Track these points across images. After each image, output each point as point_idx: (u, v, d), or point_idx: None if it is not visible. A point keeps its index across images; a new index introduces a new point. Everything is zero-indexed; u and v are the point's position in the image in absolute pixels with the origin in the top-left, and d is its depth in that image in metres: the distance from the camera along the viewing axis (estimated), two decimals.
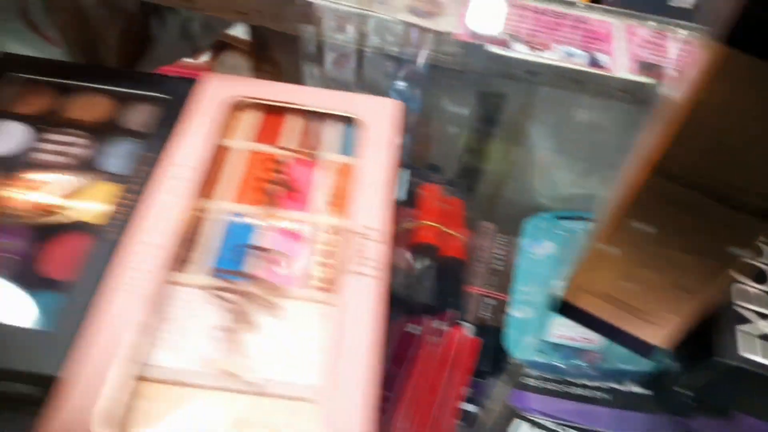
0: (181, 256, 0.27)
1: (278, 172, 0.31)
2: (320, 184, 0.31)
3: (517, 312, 0.42)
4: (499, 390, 0.39)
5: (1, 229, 0.27)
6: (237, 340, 0.25)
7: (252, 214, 0.30)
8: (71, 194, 0.29)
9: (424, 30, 0.45)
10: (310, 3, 0.47)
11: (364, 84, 0.53)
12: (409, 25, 0.45)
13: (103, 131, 0.32)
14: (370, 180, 0.31)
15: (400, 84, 0.51)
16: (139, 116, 0.33)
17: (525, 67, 0.45)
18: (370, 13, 0.46)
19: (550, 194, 0.55)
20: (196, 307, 0.26)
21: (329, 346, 0.25)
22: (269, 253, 0.28)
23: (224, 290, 0.26)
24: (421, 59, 0.48)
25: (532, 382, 0.39)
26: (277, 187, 0.31)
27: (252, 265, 0.28)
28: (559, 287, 0.30)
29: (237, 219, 0.29)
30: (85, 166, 0.30)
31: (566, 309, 0.29)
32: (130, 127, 0.32)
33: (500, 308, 0.43)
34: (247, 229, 0.29)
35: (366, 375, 0.24)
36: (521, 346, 0.39)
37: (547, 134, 0.56)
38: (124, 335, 0.24)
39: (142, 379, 0.24)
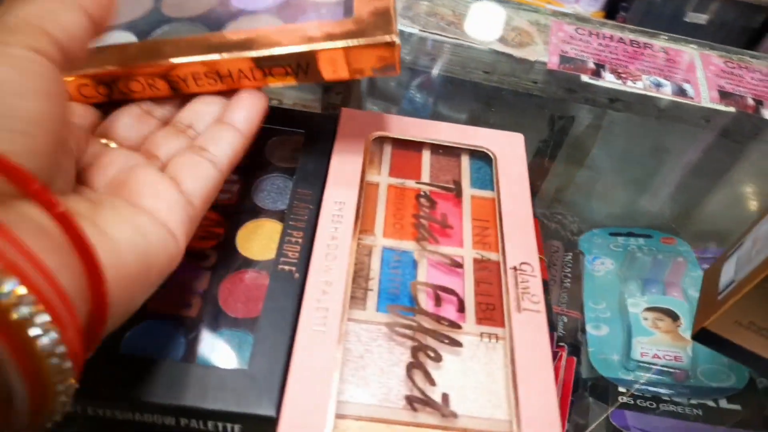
0: (355, 293, 0.28)
1: (427, 207, 0.32)
2: (467, 219, 0.32)
3: (594, 330, 0.43)
4: (594, 408, 0.40)
5: (183, 268, 0.28)
6: (424, 376, 0.26)
7: (411, 250, 0.31)
8: (238, 230, 0.30)
9: (516, 60, 0.47)
10: (406, 33, 0.48)
11: (376, 92, 0.54)
12: (503, 55, 0.47)
13: (250, 167, 0.33)
14: (514, 214, 0.32)
15: (413, 93, 0.53)
16: (281, 152, 0.34)
17: (611, 95, 0.47)
18: (462, 42, 0.48)
19: (604, 211, 0.56)
20: (378, 344, 0.27)
21: (512, 382, 0.26)
22: (437, 289, 0.29)
23: (403, 326, 0.27)
24: (436, 69, 0.50)
25: (625, 399, 0.40)
26: (429, 222, 0.32)
27: (423, 300, 0.29)
28: (698, 316, 0.31)
29: (398, 255, 0.30)
30: (242, 202, 0.31)
31: (709, 338, 0.30)
32: (275, 163, 0.33)
33: (574, 326, 0.44)
34: (411, 264, 0.30)
35: (554, 411, 0.25)
36: (607, 364, 0.40)
37: (608, 153, 0.57)
38: (325, 375, 0.25)
39: (339, 416, 0.24)
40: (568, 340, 0.43)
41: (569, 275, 0.49)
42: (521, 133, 0.36)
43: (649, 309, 0.44)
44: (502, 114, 0.54)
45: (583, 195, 0.58)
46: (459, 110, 0.55)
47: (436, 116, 0.52)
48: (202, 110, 0.28)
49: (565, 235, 0.52)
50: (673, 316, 0.43)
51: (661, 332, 0.42)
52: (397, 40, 0.27)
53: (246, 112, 0.27)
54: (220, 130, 0.26)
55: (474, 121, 0.53)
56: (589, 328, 0.43)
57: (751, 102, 0.46)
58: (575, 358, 0.42)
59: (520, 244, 0.31)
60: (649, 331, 0.42)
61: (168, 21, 0.31)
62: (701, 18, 1.20)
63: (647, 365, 0.41)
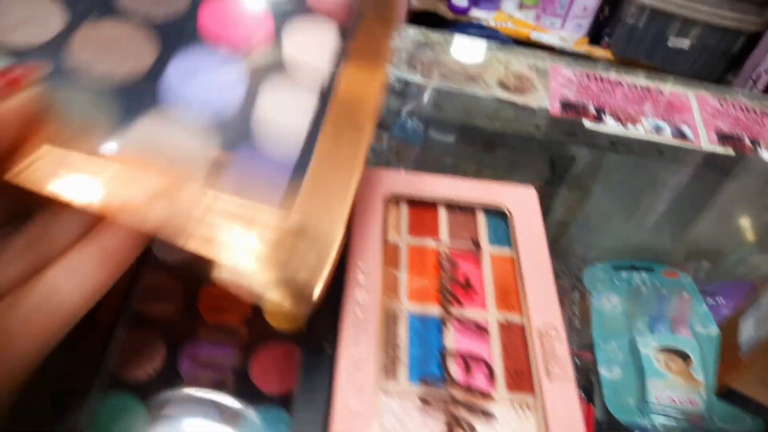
0: (386, 364, 0.28)
1: (449, 268, 0.32)
2: (489, 280, 0.33)
3: (607, 373, 0.43)
4: None
5: (214, 344, 0.28)
6: None
7: (436, 315, 0.31)
8: (263, 301, 0.30)
9: (519, 107, 0.48)
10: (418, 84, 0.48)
11: None
12: (506, 104, 0.48)
13: None
14: (534, 273, 0.32)
15: (405, 120, 0.53)
16: None
17: (613, 139, 0.48)
18: (467, 91, 0.48)
19: (604, 245, 0.57)
20: (413, 419, 0.27)
21: None
22: (465, 356, 0.29)
23: (435, 399, 0.27)
24: (426, 97, 0.51)
25: None
26: (452, 284, 0.32)
27: (453, 369, 0.29)
28: (721, 373, 0.32)
29: (424, 321, 0.30)
30: None
31: (733, 397, 0.31)
32: None
33: (586, 367, 0.44)
34: (437, 330, 0.30)
35: None
36: (623, 409, 0.40)
37: (607, 189, 0.58)
38: None
39: None
40: (581, 383, 0.43)
41: (578, 314, 0.49)
42: (522, 172, 0.36)
43: (659, 350, 0.44)
44: (505, 155, 0.54)
45: (585, 231, 0.59)
46: (447, 133, 0.55)
47: (427, 140, 0.53)
48: (65, 221, 0.21)
49: (570, 274, 0.53)
50: (684, 356, 0.43)
51: (673, 374, 0.42)
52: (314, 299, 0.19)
53: (121, 239, 0.20)
54: (82, 259, 0.20)
55: (476, 162, 0.54)
56: (602, 370, 0.43)
57: (748, 143, 0.47)
58: (592, 406, 0.42)
59: (543, 304, 0.31)
60: (661, 373, 0.42)
61: (74, 70, 0.21)
62: (684, 43, 1.24)
63: (663, 409, 0.41)
